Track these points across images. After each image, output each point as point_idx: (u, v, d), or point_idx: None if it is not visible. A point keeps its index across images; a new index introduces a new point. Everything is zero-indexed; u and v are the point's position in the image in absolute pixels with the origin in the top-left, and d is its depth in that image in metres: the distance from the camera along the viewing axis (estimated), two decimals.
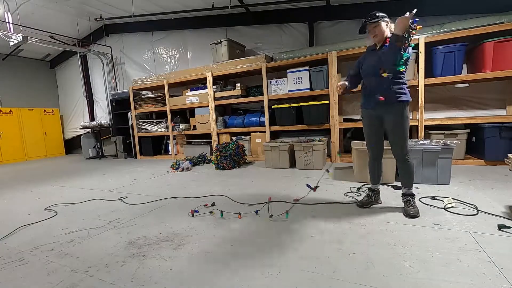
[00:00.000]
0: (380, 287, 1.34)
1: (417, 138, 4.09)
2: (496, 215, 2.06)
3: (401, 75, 2.14)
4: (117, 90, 7.99)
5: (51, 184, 4.40)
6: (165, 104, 6.47)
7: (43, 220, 2.62)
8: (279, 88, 5.11)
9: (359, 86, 2.46)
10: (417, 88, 3.99)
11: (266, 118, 5.25)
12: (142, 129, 6.96)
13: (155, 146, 7.05)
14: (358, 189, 3.00)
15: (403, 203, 2.28)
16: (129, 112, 7.04)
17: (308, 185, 2.63)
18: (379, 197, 2.49)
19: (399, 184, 2.99)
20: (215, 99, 5.75)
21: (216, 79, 5.86)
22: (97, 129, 7.91)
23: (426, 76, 3.97)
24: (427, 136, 4.13)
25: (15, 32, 6.00)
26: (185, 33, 6.86)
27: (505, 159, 2.31)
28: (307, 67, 4.82)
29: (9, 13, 5.94)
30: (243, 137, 5.57)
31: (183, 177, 4.28)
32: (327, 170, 3.04)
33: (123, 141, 7.37)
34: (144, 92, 7.29)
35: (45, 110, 9.09)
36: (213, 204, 2.74)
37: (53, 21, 6.93)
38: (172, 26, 6.90)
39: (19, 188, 4.25)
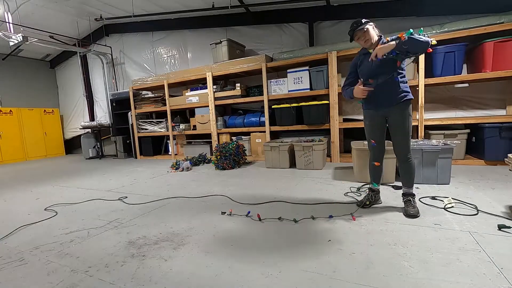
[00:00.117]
0: (380, 287, 1.34)
1: (417, 138, 4.09)
2: (496, 215, 2.06)
3: (403, 72, 2.18)
4: (117, 90, 7.99)
5: (51, 184, 4.40)
6: (165, 104, 6.47)
7: (43, 220, 2.62)
8: (279, 88, 5.11)
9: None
10: (417, 88, 3.99)
11: (266, 118, 5.25)
12: (142, 129, 6.97)
13: (155, 146, 7.06)
14: (358, 189, 3.00)
15: (403, 203, 2.28)
16: (129, 112, 7.05)
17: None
18: (379, 197, 2.49)
19: (399, 184, 3.00)
20: (215, 99, 5.75)
21: (216, 79, 5.86)
22: (97, 129, 7.91)
23: (426, 76, 3.97)
24: (427, 136, 4.13)
25: (15, 32, 6.00)
26: (185, 33, 6.86)
27: (505, 159, 2.31)
28: (307, 67, 4.82)
29: (9, 13, 5.94)
30: (243, 137, 5.57)
31: (183, 177, 4.28)
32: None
33: (123, 141, 7.37)
34: (144, 92, 7.29)
35: (45, 110, 9.10)
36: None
37: (53, 21, 6.93)
38: (172, 26, 6.90)
39: (19, 188, 4.25)
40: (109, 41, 8.05)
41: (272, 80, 5.15)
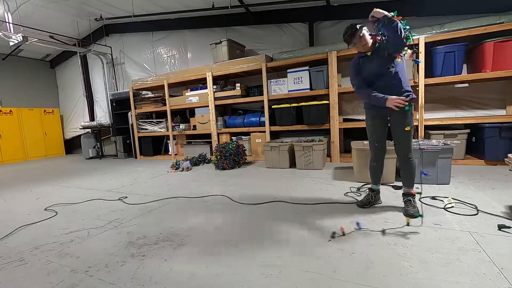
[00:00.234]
0: (380, 287, 1.34)
1: (417, 138, 4.09)
2: (496, 215, 2.06)
3: (404, 72, 2.19)
4: (117, 90, 7.99)
5: (51, 184, 4.40)
6: (165, 104, 6.47)
7: (43, 220, 2.62)
8: (279, 88, 5.11)
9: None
10: (417, 88, 3.99)
11: (266, 118, 5.25)
12: (142, 129, 6.97)
13: (155, 146, 7.05)
14: (358, 189, 3.00)
15: (403, 203, 2.28)
16: (129, 112, 7.04)
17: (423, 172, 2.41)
18: (379, 197, 2.49)
19: (399, 184, 3.00)
20: (215, 99, 5.75)
21: (216, 79, 5.86)
22: (97, 129, 7.91)
23: (426, 76, 3.97)
24: (427, 136, 4.13)
25: (15, 32, 6.00)
26: (185, 33, 6.86)
27: (505, 159, 2.31)
28: (307, 67, 4.82)
29: (9, 13, 5.94)
30: (243, 137, 5.57)
31: (183, 177, 4.28)
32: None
33: (123, 141, 7.37)
34: (144, 92, 7.29)
35: (45, 110, 9.10)
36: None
37: (53, 21, 6.93)
38: (172, 26, 6.90)
39: (19, 188, 4.25)
40: (109, 41, 8.05)
41: (272, 80, 5.15)
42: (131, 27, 7.43)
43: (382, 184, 3.01)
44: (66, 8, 6.48)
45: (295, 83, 4.94)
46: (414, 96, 2.17)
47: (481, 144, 3.80)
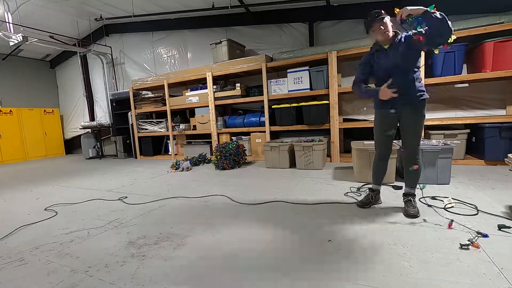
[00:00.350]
0: (380, 287, 1.34)
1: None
2: (496, 215, 2.06)
3: (419, 70, 2.12)
4: (117, 90, 7.99)
5: (51, 184, 4.40)
6: (165, 104, 6.47)
7: (43, 220, 2.62)
8: (279, 88, 5.11)
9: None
10: None
11: (266, 118, 5.25)
12: (142, 129, 6.96)
13: (155, 146, 7.05)
14: (358, 189, 3.00)
15: (403, 203, 2.28)
16: (129, 112, 7.04)
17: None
18: (379, 197, 2.48)
19: (399, 184, 3.00)
20: (215, 99, 5.75)
21: (216, 79, 5.86)
22: (97, 129, 7.91)
23: (426, 76, 3.97)
24: (427, 136, 4.13)
25: (15, 32, 6.00)
26: (185, 33, 6.86)
27: (505, 159, 2.31)
28: (307, 67, 4.82)
29: (9, 13, 5.94)
30: (243, 137, 5.57)
31: (183, 177, 4.28)
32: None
33: (123, 141, 7.37)
34: (144, 92, 7.29)
35: (45, 110, 9.10)
36: None
37: (53, 21, 6.93)
38: (172, 26, 6.90)
39: (19, 188, 4.25)
40: (109, 41, 8.05)
41: (272, 80, 5.15)
42: (131, 27, 7.43)
43: (382, 184, 3.01)
44: (66, 8, 6.47)
45: (295, 83, 4.94)
46: (427, 96, 2.11)
47: (481, 144, 3.80)
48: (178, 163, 4.96)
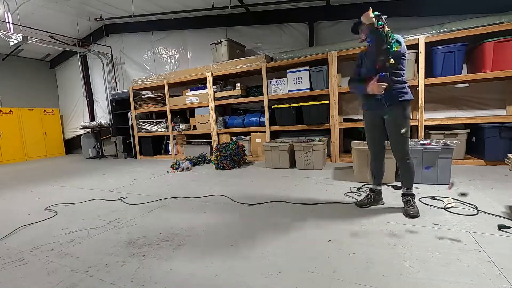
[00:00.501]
0: (380, 287, 1.34)
1: (417, 138, 4.09)
2: (496, 215, 2.06)
3: (401, 73, 2.13)
4: (117, 90, 7.99)
5: (51, 184, 4.40)
6: (165, 104, 6.47)
7: (43, 220, 2.62)
8: (279, 88, 5.11)
9: None
10: (417, 88, 3.99)
11: (266, 118, 5.25)
12: (142, 129, 6.96)
13: (155, 146, 7.05)
14: (358, 189, 3.00)
15: (403, 203, 2.28)
16: (129, 112, 7.04)
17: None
18: (380, 198, 2.48)
19: (399, 184, 3.00)
20: (215, 99, 5.75)
21: (216, 79, 5.86)
22: (97, 129, 7.91)
23: (426, 76, 3.97)
24: (427, 136, 4.13)
25: (15, 32, 6.00)
26: (185, 33, 6.86)
27: (505, 159, 2.30)
28: (307, 67, 4.82)
29: (9, 13, 5.94)
30: (243, 137, 5.57)
31: (183, 177, 4.28)
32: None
33: (123, 141, 7.37)
34: (144, 92, 7.29)
35: (45, 110, 9.09)
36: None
37: (53, 21, 6.93)
38: (172, 26, 6.90)
39: (19, 188, 4.25)
40: (109, 41, 8.05)
41: (272, 80, 5.15)
42: (131, 27, 7.43)
43: (382, 184, 3.01)
44: (66, 8, 6.48)
45: (295, 83, 4.94)
46: (410, 97, 2.12)
47: (481, 144, 3.80)
48: (178, 163, 4.96)
